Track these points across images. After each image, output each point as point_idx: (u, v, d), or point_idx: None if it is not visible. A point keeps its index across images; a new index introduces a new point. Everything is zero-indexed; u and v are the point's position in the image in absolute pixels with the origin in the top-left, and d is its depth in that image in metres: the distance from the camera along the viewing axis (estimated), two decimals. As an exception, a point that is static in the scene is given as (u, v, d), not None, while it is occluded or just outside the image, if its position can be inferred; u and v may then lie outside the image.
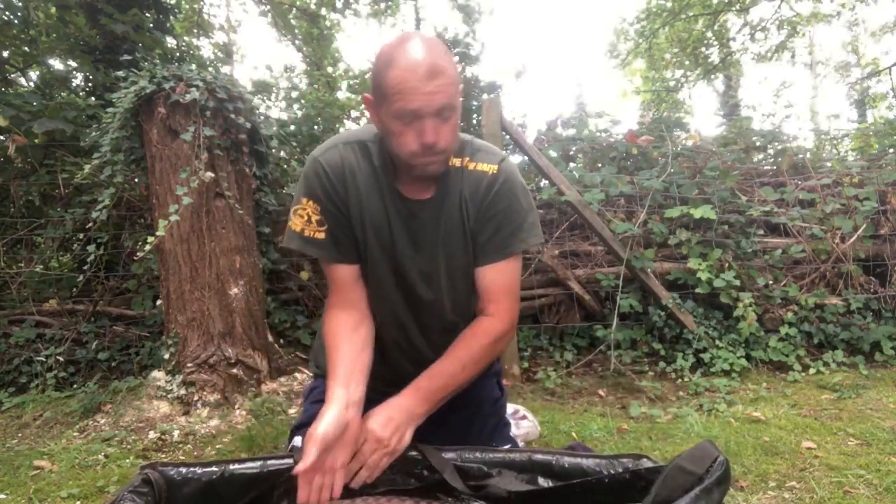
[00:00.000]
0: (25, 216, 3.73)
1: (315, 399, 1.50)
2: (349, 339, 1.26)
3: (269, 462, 1.22)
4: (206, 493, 1.17)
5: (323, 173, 1.26)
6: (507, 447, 1.40)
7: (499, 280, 1.31)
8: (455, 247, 1.32)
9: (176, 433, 2.45)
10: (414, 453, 1.22)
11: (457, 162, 1.28)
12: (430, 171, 1.21)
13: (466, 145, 1.31)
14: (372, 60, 1.16)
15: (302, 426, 1.48)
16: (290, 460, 1.18)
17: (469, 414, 1.46)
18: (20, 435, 2.61)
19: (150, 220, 3.10)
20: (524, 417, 2.22)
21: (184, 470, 1.18)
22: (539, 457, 1.23)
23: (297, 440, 1.44)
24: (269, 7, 8.53)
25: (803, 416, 2.42)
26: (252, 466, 1.21)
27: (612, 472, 1.16)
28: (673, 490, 1.00)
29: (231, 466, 1.21)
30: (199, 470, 1.19)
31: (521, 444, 2.09)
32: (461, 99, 1.19)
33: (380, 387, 1.27)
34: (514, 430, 2.05)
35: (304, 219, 1.29)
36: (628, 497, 1.11)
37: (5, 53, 4.75)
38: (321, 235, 1.27)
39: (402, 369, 1.37)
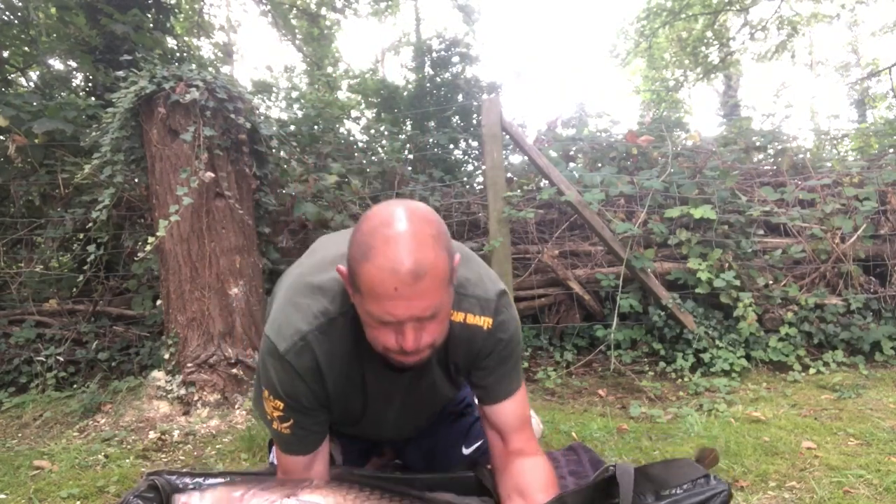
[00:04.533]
0: (25, 216, 3.73)
1: None
2: None
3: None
4: None
5: (295, 375, 1.11)
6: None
7: (516, 413, 1.25)
8: (439, 394, 1.28)
9: (176, 433, 2.45)
10: None
11: None
12: (407, 366, 1.08)
13: (454, 294, 1.12)
14: (357, 238, 0.97)
15: None
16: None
17: (434, 428, 1.51)
18: (20, 435, 2.61)
19: (150, 220, 3.10)
20: None
21: (188, 480, 1.17)
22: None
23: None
24: (269, 7, 8.53)
25: (803, 416, 2.42)
26: (260, 476, 1.21)
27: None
28: (676, 477, 1.05)
29: (238, 478, 1.21)
30: (203, 481, 1.19)
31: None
32: (452, 285, 1.03)
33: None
34: None
35: (269, 409, 1.18)
36: None
37: (5, 53, 4.76)
38: (286, 431, 1.18)
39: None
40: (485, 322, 1.16)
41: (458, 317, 1.15)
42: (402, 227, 0.95)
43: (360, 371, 1.17)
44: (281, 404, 1.14)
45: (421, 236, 0.95)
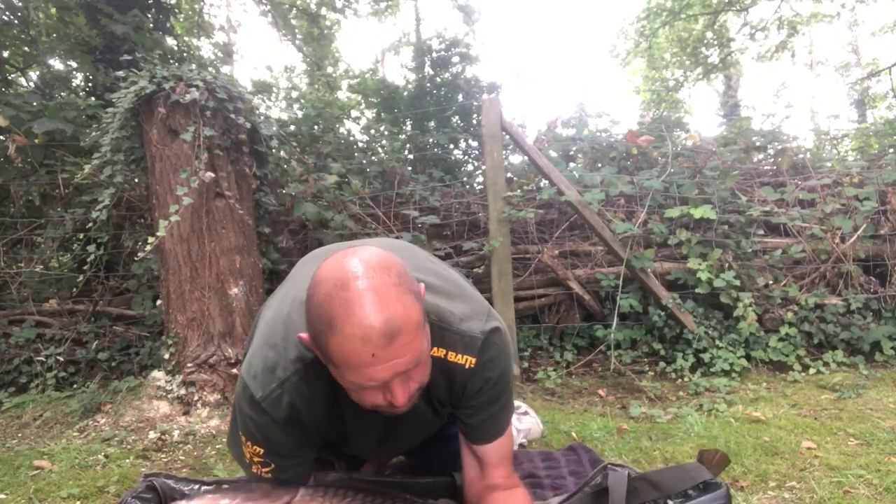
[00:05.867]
0: (25, 216, 3.73)
1: None
2: None
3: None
4: None
5: (272, 423, 1.07)
6: None
7: (498, 453, 1.21)
8: (425, 427, 1.27)
9: (176, 433, 2.45)
10: None
11: None
12: (395, 413, 1.04)
13: (434, 328, 1.07)
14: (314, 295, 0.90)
15: None
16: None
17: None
18: (20, 435, 2.61)
19: (150, 220, 3.10)
20: (526, 413, 2.22)
21: (185, 488, 1.17)
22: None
23: None
24: (269, 7, 8.53)
25: (803, 416, 2.42)
26: (249, 486, 1.20)
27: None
28: (682, 482, 1.04)
29: (226, 486, 1.20)
30: (199, 489, 1.18)
31: (522, 440, 2.09)
32: (426, 322, 0.97)
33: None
34: (516, 425, 2.05)
35: (248, 455, 1.14)
36: None
37: (5, 53, 4.76)
38: (267, 475, 1.15)
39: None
40: (467, 361, 1.10)
41: (439, 353, 1.09)
42: (362, 286, 0.87)
43: (340, 410, 1.13)
44: (260, 450, 1.11)
45: (383, 290, 0.87)
